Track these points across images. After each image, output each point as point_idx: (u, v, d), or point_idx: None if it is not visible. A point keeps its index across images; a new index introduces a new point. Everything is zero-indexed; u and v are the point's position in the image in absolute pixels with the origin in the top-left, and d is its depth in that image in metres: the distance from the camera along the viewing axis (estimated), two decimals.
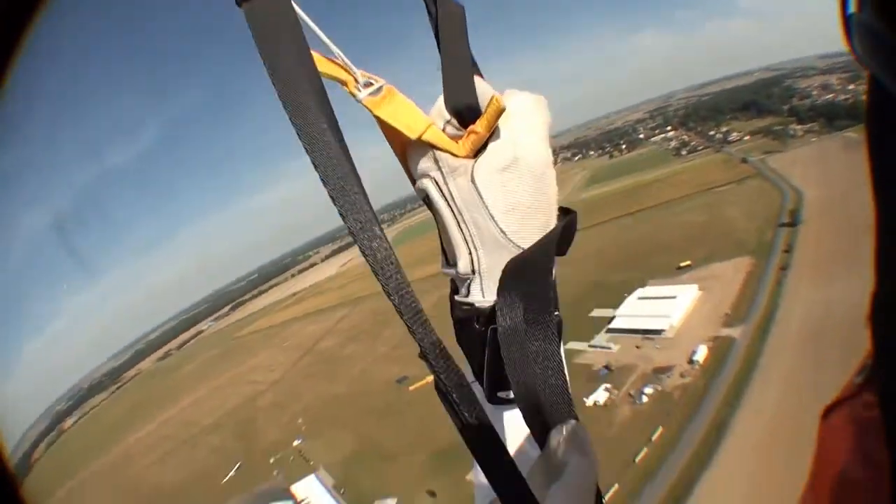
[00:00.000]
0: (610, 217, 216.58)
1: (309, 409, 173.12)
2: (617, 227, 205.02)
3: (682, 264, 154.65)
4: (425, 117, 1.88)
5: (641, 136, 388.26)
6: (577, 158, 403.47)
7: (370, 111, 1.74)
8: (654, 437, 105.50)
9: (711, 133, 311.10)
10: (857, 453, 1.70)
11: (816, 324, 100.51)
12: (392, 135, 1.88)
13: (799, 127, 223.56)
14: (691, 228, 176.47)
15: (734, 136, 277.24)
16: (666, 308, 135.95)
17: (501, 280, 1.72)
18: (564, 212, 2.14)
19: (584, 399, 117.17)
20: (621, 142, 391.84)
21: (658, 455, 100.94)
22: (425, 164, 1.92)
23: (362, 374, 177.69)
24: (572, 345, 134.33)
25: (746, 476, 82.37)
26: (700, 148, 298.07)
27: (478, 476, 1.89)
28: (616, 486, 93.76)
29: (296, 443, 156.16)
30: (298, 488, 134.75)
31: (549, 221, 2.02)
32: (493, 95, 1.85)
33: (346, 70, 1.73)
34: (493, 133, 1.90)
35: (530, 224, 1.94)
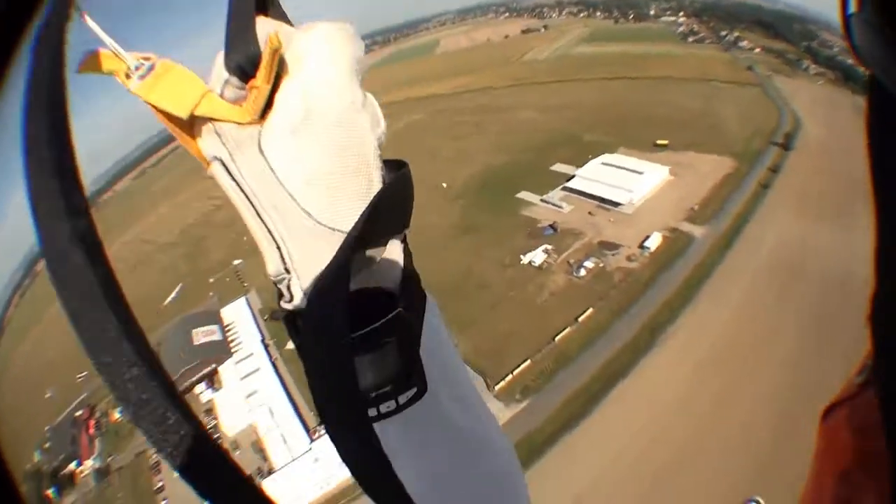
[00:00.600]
0: (598, 76, 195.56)
1: None
2: (603, 89, 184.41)
3: (660, 142, 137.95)
4: (200, 86, 1.44)
5: (651, 12, 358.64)
6: (581, 15, 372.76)
7: (143, 100, 1.39)
8: (582, 318, 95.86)
9: (723, 33, 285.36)
10: (857, 454, 1.65)
11: (786, 255, 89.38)
12: (170, 120, 1.45)
13: (813, 66, 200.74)
14: (679, 111, 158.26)
15: (745, 43, 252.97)
16: (630, 182, 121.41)
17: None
18: (394, 166, 1.68)
19: (521, 256, 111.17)
20: (630, 12, 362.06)
21: (581, 339, 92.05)
22: (208, 143, 1.49)
23: None
24: (524, 194, 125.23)
25: (670, 392, 75.97)
26: (707, 41, 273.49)
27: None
28: (528, 361, 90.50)
29: (235, 262, 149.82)
30: (227, 312, 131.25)
31: (371, 186, 1.53)
32: (270, 33, 1.40)
33: (117, 57, 1.36)
34: (277, 84, 1.47)
35: (341, 196, 1.47)
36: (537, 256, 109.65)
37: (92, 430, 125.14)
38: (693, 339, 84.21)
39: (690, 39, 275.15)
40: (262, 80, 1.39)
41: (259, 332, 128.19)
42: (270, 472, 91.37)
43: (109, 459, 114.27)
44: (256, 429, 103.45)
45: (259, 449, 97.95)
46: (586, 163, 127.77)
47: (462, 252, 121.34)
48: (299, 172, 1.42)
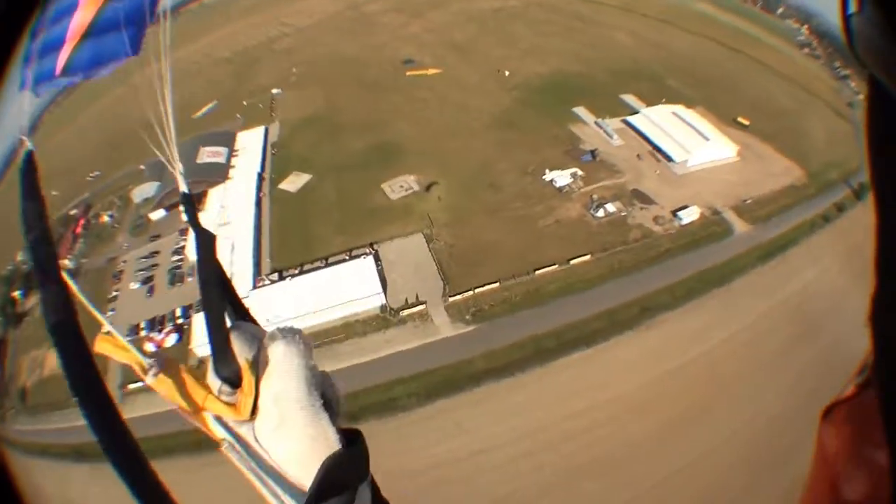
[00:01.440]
0: (705, 35, 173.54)
1: (310, 61, 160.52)
2: (704, 46, 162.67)
3: (741, 120, 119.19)
4: (203, 388, 2.16)
5: (780, 10, 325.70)
6: None
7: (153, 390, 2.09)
8: (575, 262, 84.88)
9: (836, 64, 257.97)
10: (856, 453, 1.63)
11: (812, 306, 74.38)
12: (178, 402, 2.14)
13: None
14: (771, 102, 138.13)
15: (853, 85, 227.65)
16: (694, 143, 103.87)
17: None
18: (351, 434, 2.40)
19: (547, 171, 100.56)
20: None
21: (562, 285, 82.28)
22: (216, 428, 2.18)
23: (380, 45, 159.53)
24: (580, 110, 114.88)
25: (626, 386, 66.77)
26: (820, 60, 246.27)
27: None
28: (496, 284, 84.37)
29: (274, 91, 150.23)
30: (243, 137, 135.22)
31: (329, 447, 2.24)
32: (244, 365, 2.18)
33: (131, 354, 2.12)
34: (258, 391, 2.20)
35: (311, 468, 2.13)
36: (563, 178, 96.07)
37: (79, 230, 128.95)
38: (675, 340, 72.37)
39: (805, 51, 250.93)
40: (247, 392, 2.07)
41: (260, 166, 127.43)
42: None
43: (83, 261, 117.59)
44: None
45: None
46: (658, 105, 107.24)
47: (491, 144, 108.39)
48: (283, 455, 2.08)
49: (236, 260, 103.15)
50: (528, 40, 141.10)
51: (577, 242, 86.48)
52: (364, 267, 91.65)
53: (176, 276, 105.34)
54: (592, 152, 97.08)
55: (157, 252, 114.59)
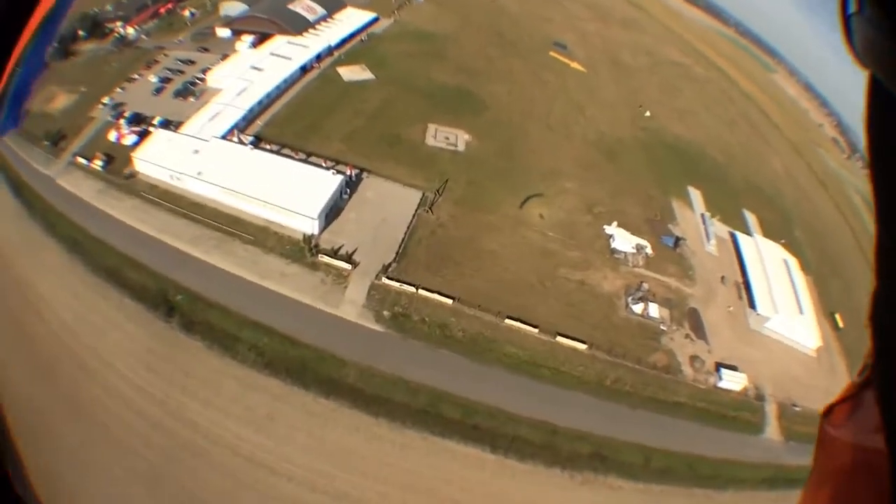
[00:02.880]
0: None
1: None
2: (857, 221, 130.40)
3: (837, 317, 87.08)
4: None
5: None
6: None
7: None
8: (563, 341, 61.34)
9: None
10: (856, 452, 1.61)
11: None
12: None
13: None
14: None
15: None
16: (785, 306, 76.29)
17: None
18: None
19: (614, 224, 77.10)
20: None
21: (527, 361, 58.10)
22: None
23: (544, 18, 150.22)
24: (692, 191, 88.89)
25: None
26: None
27: None
28: (449, 301, 62.76)
29: None
30: (352, 13, 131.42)
31: None
32: None
33: None
34: None
35: None
36: (625, 242, 72.42)
37: (162, 11, 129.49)
38: None
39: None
40: None
41: (338, 42, 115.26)
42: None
43: (143, 37, 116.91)
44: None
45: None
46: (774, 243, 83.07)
47: (578, 159, 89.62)
48: None
49: (234, 103, 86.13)
50: (688, 103, 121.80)
51: (584, 320, 62.06)
52: (324, 183, 67.91)
53: (184, 90, 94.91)
54: (677, 240, 70.71)
55: (192, 62, 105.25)
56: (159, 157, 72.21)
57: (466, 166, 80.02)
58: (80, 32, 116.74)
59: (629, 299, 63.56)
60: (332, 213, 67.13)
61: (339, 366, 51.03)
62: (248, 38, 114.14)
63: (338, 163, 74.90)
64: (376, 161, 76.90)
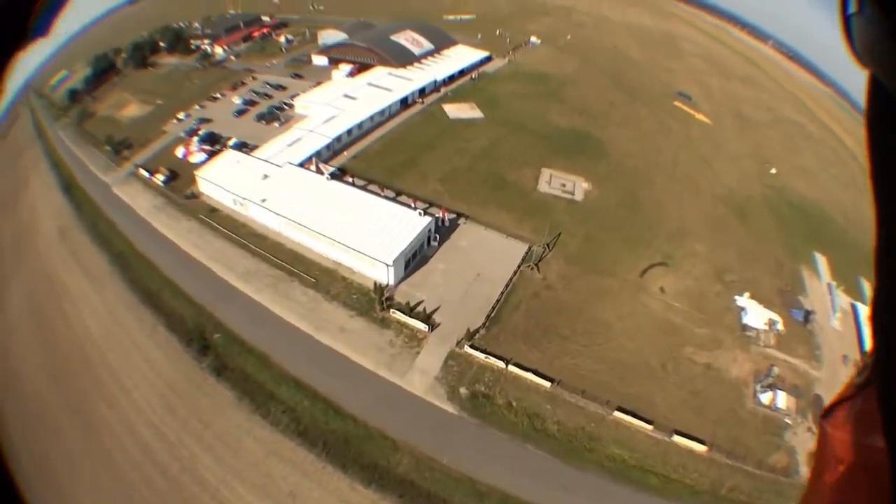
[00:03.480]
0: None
1: (588, 41, 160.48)
2: None
3: None
4: None
5: None
6: None
7: None
8: (679, 440, 47.60)
9: None
10: (856, 452, 1.66)
11: None
12: None
13: None
14: None
15: None
16: None
17: None
18: None
19: (745, 295, 63.88)
20: None
21: (636, 466, 44.78)
22: None
23: (664, 68, 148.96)
24: (818, 257, 75.57)
25: None
26: None
27: None
28: (547, 385, 49.78)
29: (532, 38, 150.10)
30: (462, 50, 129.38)
31: None
32: None
33: None
34: None
35: None
36: (757, 317, 60.00)
37: (255, 35, 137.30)
38: None
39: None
40: None
41: (445, 79, 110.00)
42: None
43: (232, 58, 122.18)
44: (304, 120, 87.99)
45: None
46: None
47: (706, 216, 78.97)
48: None
49: (318, 130, 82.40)
50: (807, 161, 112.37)
51: (706, 414, 49.41)
52: (407, 225, 60.43)
53: (269, 114, 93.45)
54: (807, 314, 63.01)
55: (283, 87, 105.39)
56: (224, 179, 69.33)
57: (583, 218, 70.92)
58: (161, 44, 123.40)
59: (757, 387, 50.64)
60: (415, 261, 60.14)
61: (390, 449, 42.01)
62: (345, 68, 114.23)
63: (430, 205, 68.71)
64: (477, 206, 70.04)
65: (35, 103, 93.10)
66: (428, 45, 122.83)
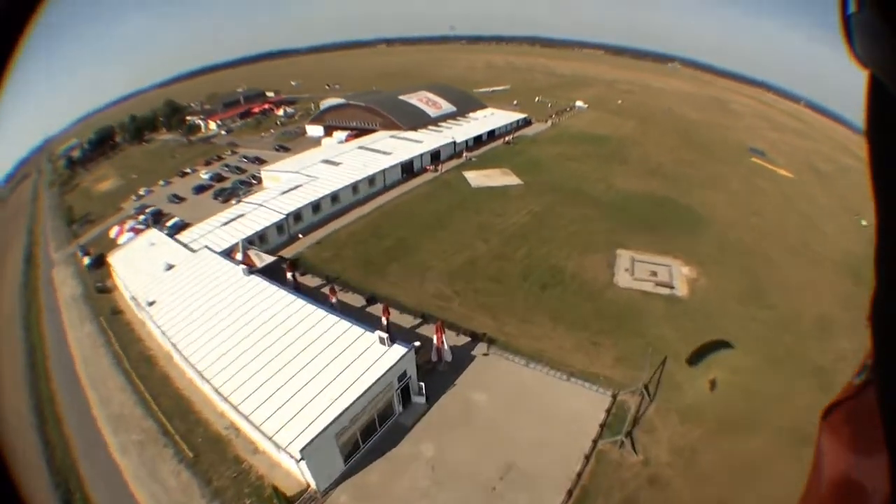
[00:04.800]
0: None
1: (643, 106, 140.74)
2: None
3: None
4: None
5: None
6: None
7: None
8: None
9: None
10: (856, 453, 1.62)
11: None
12: None
13: None
14: None
15: None
16: None
17: None
18: None
19: None
20: None
21: None
22: None
23: (724, 126, 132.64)
24: None
25: None
26: None
27: None
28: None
29: (577, 103, 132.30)
30: (497, 113, 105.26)
31: None
32: None
33: None
34: None
35: None
36: None
37: (255, 111, 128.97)
38: None
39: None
40: None
41: (469, 141, 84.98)
42: None
43: (222, 132, 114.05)
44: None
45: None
46: None
47: (834, 288, 50.46)
48: None
49: (271, 204, 58.00)
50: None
51: None
52: (361, 365, 28.88)
53: (228, 191, 73.82)
54: None
55: (262, 161, 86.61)
56: (127, 269, 47.53)
57: (697, 327, 39.26)
58: (161, 119, 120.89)
59: None
60: (372, 439, 29.00)
61: None
62: (341, 135, 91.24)
63: (423, 319, 38.93)
64: (510, 318, 40.25)
65: (44, 167, 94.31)
66: (448, 107, 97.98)
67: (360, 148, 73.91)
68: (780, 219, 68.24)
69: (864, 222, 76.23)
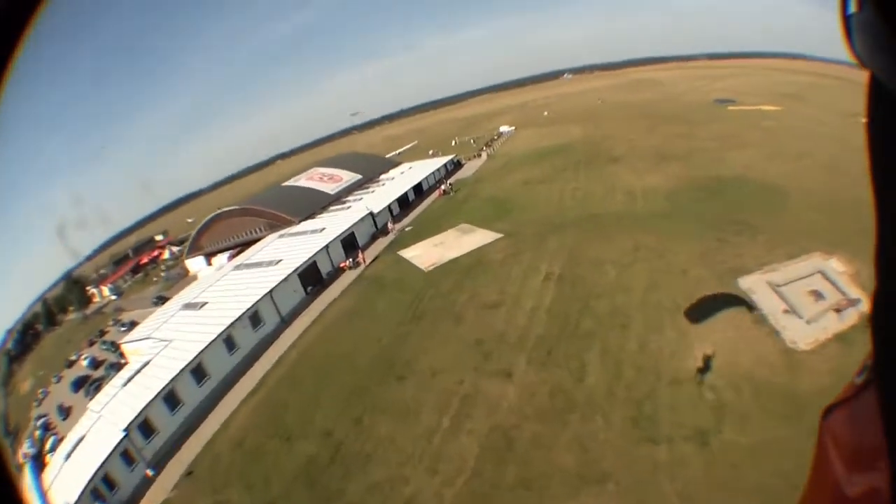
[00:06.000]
0: None
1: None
2: None
3: None
4: None
5: None
6: None
7: None
8: None
9: None
10: (857, 453, 1.50)
11: None
12: None
13: None
14: None
15: None
16: None
17: None
18: None
19: None
20: None
21: None
22: None
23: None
24: None
25: None
26: None
27: None
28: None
29: (502, 129, 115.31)
30: (424, 163, 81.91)
31: None
32: None
33: None
34: None
35: None
36: None
37: (144, 261, 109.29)
38: None
39: None
40: None
41: (387, 208, 61.05)
42: None
43: (111, 298, 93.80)
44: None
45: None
46: None
47: None
48: None
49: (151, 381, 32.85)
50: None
51: None
52: None
53: (94, 386, 48.55)
54: None
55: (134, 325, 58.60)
56: None
57: None
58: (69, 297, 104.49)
59: None
60: None
61: None
62: (223, 257, 66.91)
63: None
64: None
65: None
66: (351, 177, 73.32)
67: (238, 268, 47.11)
68: (825, 148, 48.90)
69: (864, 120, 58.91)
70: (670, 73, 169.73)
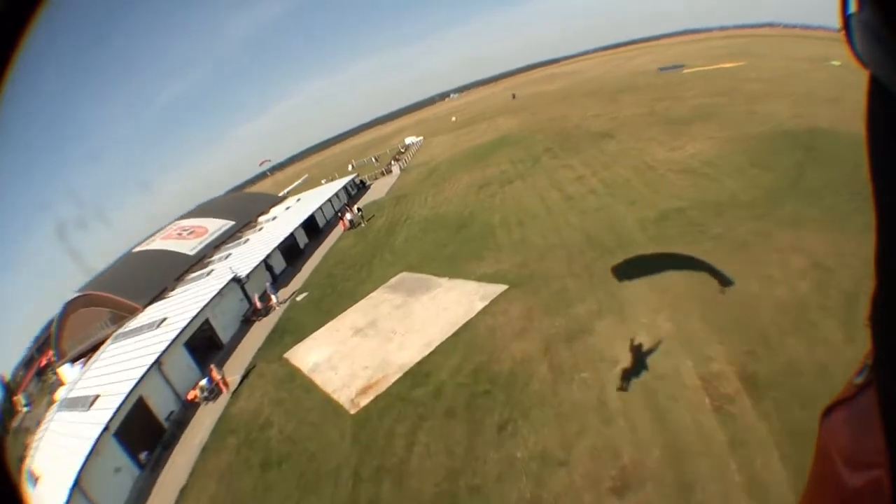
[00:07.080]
0: None
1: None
2: None
3: None
4: None
5: None
6: None
7: None
8: None
9: None
10: (856, 454, 1.43)
11: None
12: None
13: None
14: None
15: None
16: None
17: None
18: None
19: None
20: None
21: None
22: None
23: None
24: None
25: None
26: None
27: None
28: None
29: (408, 140, 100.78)
30: (318, 190, 67.90)
31: None
32: None
33: None
34: None
35: None
36: None
37: (44, 362, 78.23)
38: None
39: None
40: None
41: (260, 262, 47.11)
42: None
43: (25, 410, 64.31)
44: None
45: None
46: None
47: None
48: None
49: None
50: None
51: None
52: None
53: None
54: None
55: None
56: None
57: None
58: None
59: None
60: None
61: None
62: (77, 367, 43.20)
63: None
64: None
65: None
66: (222, 224, 50.24)
67: (60, 408, 23.62)
68: (831, 90, 38.21)
69: (835, 62, 56.52)
70: (572, 65, 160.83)
